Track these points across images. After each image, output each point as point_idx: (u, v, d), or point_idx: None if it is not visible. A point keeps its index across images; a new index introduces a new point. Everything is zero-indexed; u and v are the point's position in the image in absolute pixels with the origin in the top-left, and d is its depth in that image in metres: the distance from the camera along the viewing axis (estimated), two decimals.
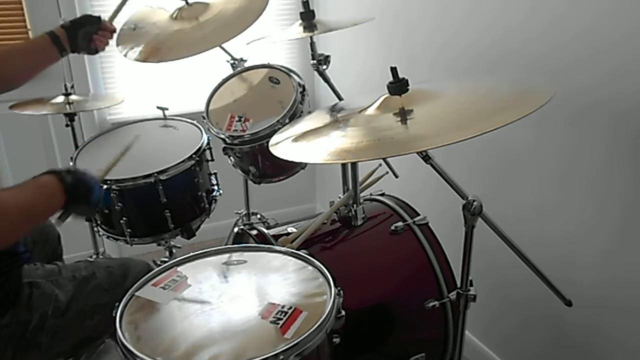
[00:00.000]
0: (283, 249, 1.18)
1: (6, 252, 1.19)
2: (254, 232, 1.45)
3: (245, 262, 1.15)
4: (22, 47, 1.50)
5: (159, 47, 1.65)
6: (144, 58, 1.64)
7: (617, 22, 1.20)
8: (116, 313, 0.97)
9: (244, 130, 1.62)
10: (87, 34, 1.45)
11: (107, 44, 1.52)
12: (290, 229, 1.45)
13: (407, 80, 1.05)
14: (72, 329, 1.26)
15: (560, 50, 1.35)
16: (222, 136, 1.65)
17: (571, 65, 1.33)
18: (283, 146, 1.11)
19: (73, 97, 1.96)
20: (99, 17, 1.48)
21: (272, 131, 1.54)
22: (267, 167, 1.71)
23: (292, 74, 1.68)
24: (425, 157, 1.15)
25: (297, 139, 1.12)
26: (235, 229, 1.63)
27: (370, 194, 1.61)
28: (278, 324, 0.91)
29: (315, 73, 1.63)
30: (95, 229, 1.82)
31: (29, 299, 1.19)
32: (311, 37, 1.60)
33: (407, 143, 0.94)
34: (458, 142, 0.83)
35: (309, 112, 1.62)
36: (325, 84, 1.64)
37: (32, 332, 1.19)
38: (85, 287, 1.28)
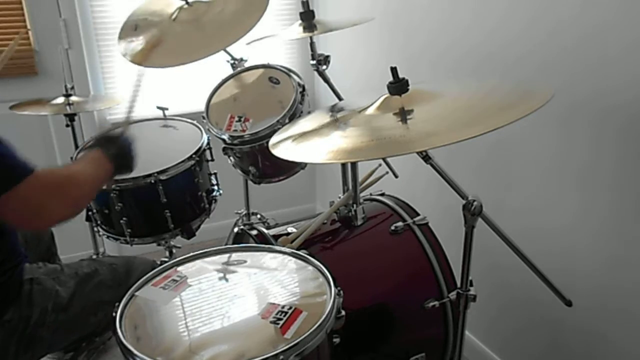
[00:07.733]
0: (283, 249, 1.18)
1: (6, 250, 1.19)
2: (254, 232, 1.45)
3: (245, 262, 1.15)
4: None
5: (159, 51, 1.64)
6: (142, 61, 1.64)
7: (624, 26, 1.20)
8: (116, 313, 0.97)
9: (243, 130, 1.62)
10: None
11: None
12: (290, 229, 1.45)
13: (407, 80, 1.05)
14: (75, 325, 1.27)
15: (565, 56, 1.35)
16: (222, 136, 1.65)
17: (576, 70, 1.32)
18: (283, 146, 1.11)
19: (73, 98, 1.96)
20: None
21: (272, 131, 1.54)
22: (267, 167, 1.71)
23: (292, 74, 1.68)
24: (425, 157, 1.15)
25: (297, 139, 1.12)
26: (235, 229, 1.63)
27: (370, 194, 1.61)
28: (278, 324, 0.91)
29: (315, 73, 1.63)
30: (95, 229, 1.82)
31: (29, 295, 1.20)
32: (311, 37, 1.60)
33: (407, 143, 0.94)
34: (457, 142, 0.83)
35: (309, 112, 1.62)
36: (325, 84, 1.64)
37: (33, 327, 1.19)
38: (88, 283, 1.29)
